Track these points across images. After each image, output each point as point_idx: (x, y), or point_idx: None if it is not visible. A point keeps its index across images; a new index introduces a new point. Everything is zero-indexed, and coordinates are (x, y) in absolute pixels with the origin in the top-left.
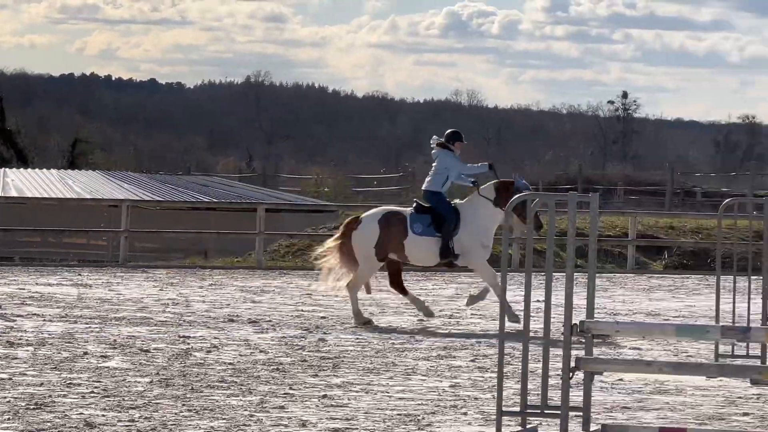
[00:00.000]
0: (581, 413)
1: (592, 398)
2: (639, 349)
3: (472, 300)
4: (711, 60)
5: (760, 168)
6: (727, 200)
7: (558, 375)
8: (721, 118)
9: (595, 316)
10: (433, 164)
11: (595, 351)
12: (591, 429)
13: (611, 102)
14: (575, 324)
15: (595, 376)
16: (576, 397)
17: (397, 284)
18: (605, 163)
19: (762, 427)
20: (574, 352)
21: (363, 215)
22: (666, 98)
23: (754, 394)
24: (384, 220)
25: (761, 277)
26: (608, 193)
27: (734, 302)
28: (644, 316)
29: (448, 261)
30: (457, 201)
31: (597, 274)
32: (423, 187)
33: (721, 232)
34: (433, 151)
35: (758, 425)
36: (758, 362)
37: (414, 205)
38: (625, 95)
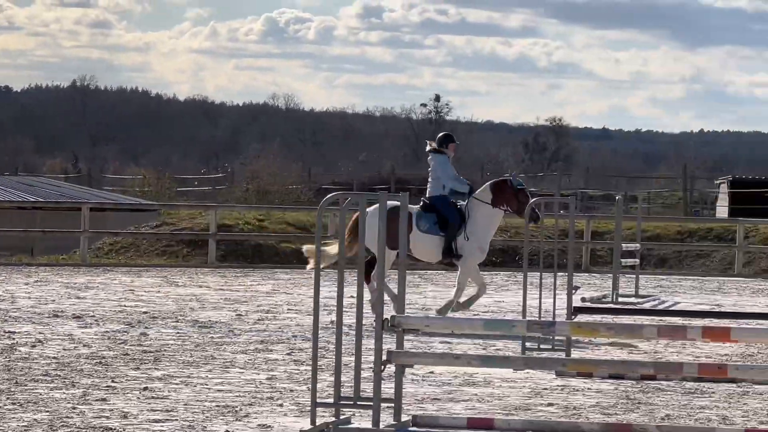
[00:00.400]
0: (393, 404)
1: (404, 390)
2: (449, 342)
3: (461, 306)
4: (520, 65)
5: (567, 168)
6: (534, 199)
7: (371, 368)
8: (529, 121)
9: (406, 311)
10: (429, 170)
11: (407, 345)
12: (402, 420)
13: (424, 105)
14: (387, 319)
15: (406, 368)
16: (388, 389)
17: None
18: (418, 164)
19: (566, 417)
20: (386, 346)
21: (369, 209)
22: (477, 101)
23: (558, 386)
24: (392, 213)
25: (566, 274)
26: (420, 193)
27: (540, 298)
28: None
29: (449, 261)
30: (461, 203)
31: (408, 272)
32: (427, 195)
33: (528, 231)
34: (428, 157)
35: (562, 415)
36: (563, 355)
37: (421, 203)
38: (437, 98)
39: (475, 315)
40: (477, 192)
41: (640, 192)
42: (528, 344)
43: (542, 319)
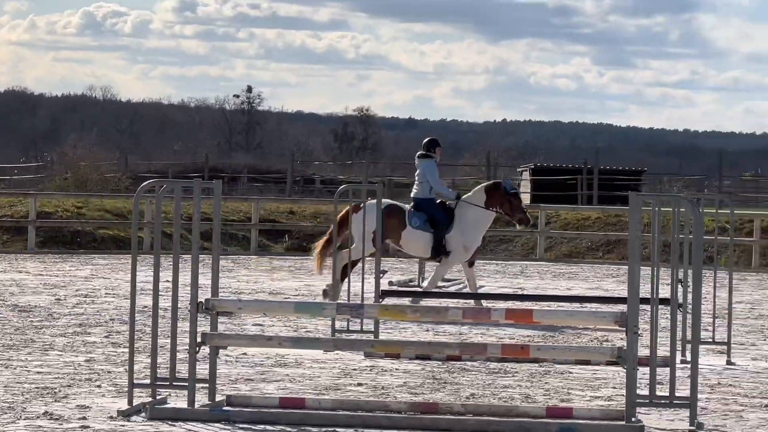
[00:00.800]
0: (207, 385)
1: (218, 371)
2: (262, 325)
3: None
4: (329, 57)
5: (374, 157)
6: (342, 187)
7: (186, 350)
8: (338, 111)
9: (220, 294)
10: (416, 173)
11: (221, 327)
12: (216, 399)
13: (237, 96)
14: (201, 302)
15: (220, 350)
16: (203, 370)
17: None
18: (231, 153)
19: (374, 396)
20: (200, 329)
21: (367, 203)
22: (288, 92)
23: (367, 366)
24: (387, 209)
25: (374, 258)
26: (233, 181)
27: (349, 281)
28: (266, 294)
29: (439, 258)
30: (450, 203)
31: (222, 256)
32: (412, 195)
33: (337, 217)
34: (417, 162)
35: (371, 394)
36: (371, 336)
37: (412, 203)
38: (249, 89)
39: (286, 298)
40: (469, 195)
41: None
42: (337, 326)
43: (351, 302)
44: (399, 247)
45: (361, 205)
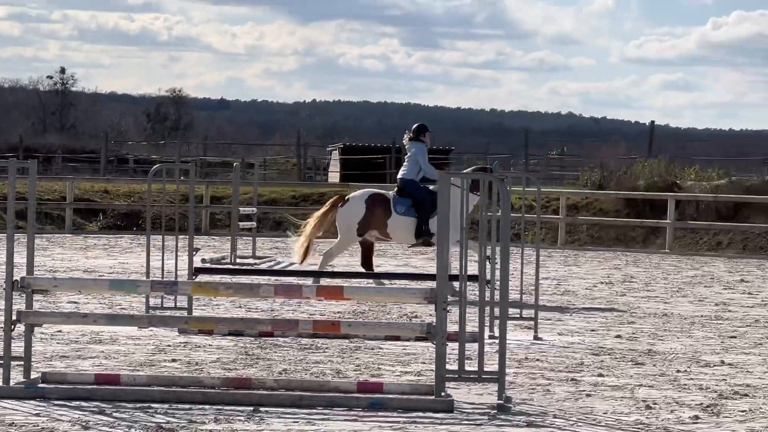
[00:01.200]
0: (22, 363)
1: (33, 348)
2: (77, 303)
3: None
4: (142, 38)
5: (187, 137)
6: (156, 166)
7: (2, 328)
8: (151, 92)
9: (35, 273)
10: (407, 156)
11: (36, 305)
12: (32, 377)
13: (50, 77)
14: (16, 280)
15: (36, 328)
16: (18, 347)
17: (367, 264)
18: (45, 134)
19: (188, 372)
20: (16, 307)
21: (350, 195)
22: (101, 73)
23: (181, 342)
24: (370, 200)
25: (187, 237)
26: (48, 161)
27: (163, 259)
28: (81, 272)
29: (424, 240)
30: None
31: (37, 235)
32: (399, 176)
33: (151, 196)
34: (406, 145)
35: (185, 370)
36: (185, 313)
37: (396, 189)
38: (63, 71)
39: (100, 276)
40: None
41: (256, 159)
42: (152, 303)
43: (165, 279)
44: (383, 238)
45: (347, 198)
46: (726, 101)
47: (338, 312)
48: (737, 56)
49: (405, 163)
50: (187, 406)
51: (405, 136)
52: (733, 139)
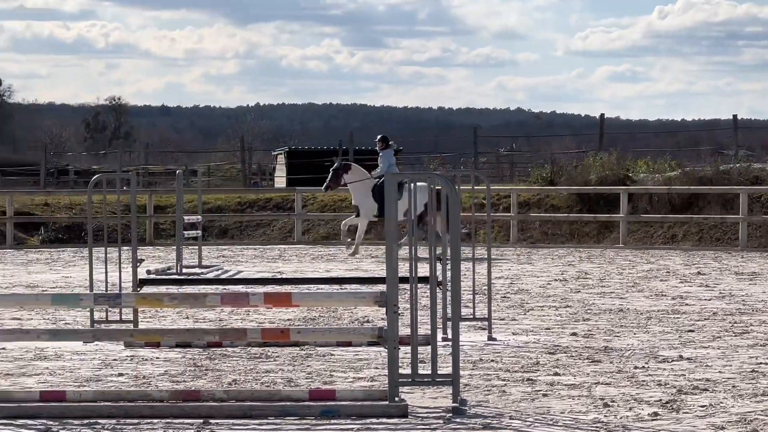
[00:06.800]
0: None
1: None
2: (20, 319)
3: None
4: (78, 46)
5: (128, 146)
6: (96, 176)
7: None
8: (90, 101)
9: None
10: (380, 157)
11: None
12: None
13: None
14: None
15: None
16: None
17: None
18: None
19: (136, 386)
20: None
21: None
22: (39, 84)
23: (128, 356)
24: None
25: (131, 248)
26: None
27: (106, 271)
28: (24, 288)
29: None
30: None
31: None
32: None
33: (92, 207)
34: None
35: (132, 384)
36: (131, 326)
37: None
38: None
39: (43, 291)
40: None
41: (200, 166)
42: (97, 317)
43: (109, 292)
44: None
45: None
46: (675, 91)
47: (288, 319)
48: (684, 45)
49: (380, 165)
50: (136, 421)
51: (378, 144)
52: (684, 129)
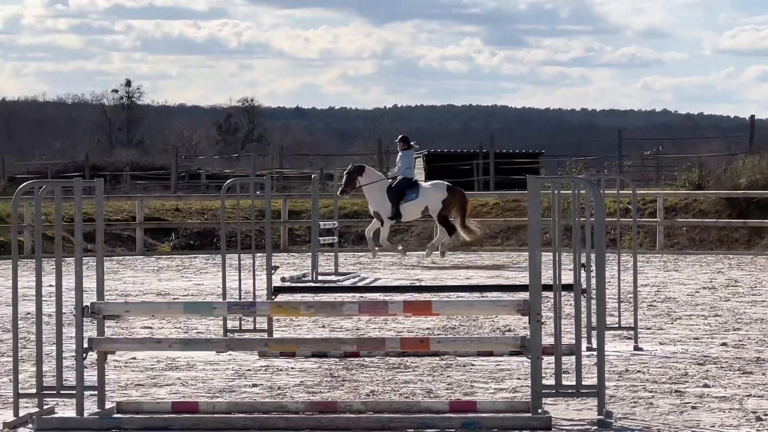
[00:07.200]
0: (96, 392)
1: (107, 377)
2: (151, 328)
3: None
4: (210, 46)
5: (261, 149)
6: (229, 181)
7: (73, 356)
8: (222, 102)
9: (106, 298)
10: (399, 160)
11: (108, 331)
12: (106, 407)
13: (115, 91)
14: (86, 306)
15: (108, 355)
16: (91, 376)
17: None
18: (112, 150)
19: (270, 397)
20: (87, 334)
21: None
22: (169, 85)
23: (262, 366)
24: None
25: (265, 254)
26: (115, 179)
27: (240, 279)
28: (154, 296)
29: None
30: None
31: (106, 258)
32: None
33: (225, 212)
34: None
35: (267, 395)
36: (265, 335)
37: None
38: (128, 83)
39: (174, 299)
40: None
41: (336, 169)
42: (230, 326)
43: (242, 300)
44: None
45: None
46: None
47: (427, 328)
48: None
49: (400, 166)
50: None
51: (399, 144)
52: None
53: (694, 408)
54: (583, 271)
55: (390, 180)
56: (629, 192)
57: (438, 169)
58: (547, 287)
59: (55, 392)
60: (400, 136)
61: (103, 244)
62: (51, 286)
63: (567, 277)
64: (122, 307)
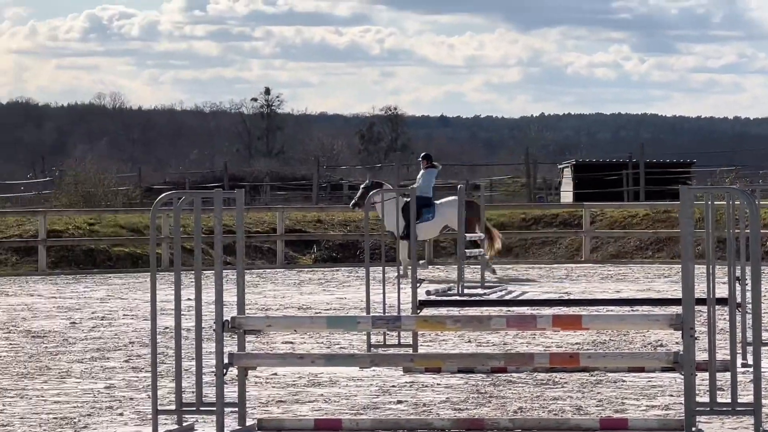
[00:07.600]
0: (237, 409)
1: (247, 393)
2: (292, 343)
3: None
4: (351, 53)
5: (404, 158)
6: (373, 191)
7: (213, 372)
8: (364, 111)
9: (247, 311)
10: (420, 177)
11: (249, 346)
12: (247, 424)
13: (255, 99)
14: (227, 320)
15: (249, 371)
16: (231, 393)
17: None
18: (251, 160)
19: (416, 414)
20: (227, 349)
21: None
22: (309, 93)
23: (407, 382)
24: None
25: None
26: (255, 190)
27: (384, 292)
28: (296, 310)
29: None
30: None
31: (247, 271)
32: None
33: (369, 224)
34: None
35: (412, 412)
36: (410, 350)
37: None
38: (267, 91)
39: (317, 313)
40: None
41: (481, 180)
42: (373, 341)
43: (387, 314)
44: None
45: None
46: None
47: (576, 343)
48: None
49: (422, 184)
50: None
51: (422, 162)
52: None
53: None
54: (738, 284)
55: (406, 198)
56: None
57: (586, 179)
58: (701, 301)
59: (194, 409)
60: (423, 154)
61: (244, 256)
62: (190, 299)
63: (721, 291)
64: (264, 322)
